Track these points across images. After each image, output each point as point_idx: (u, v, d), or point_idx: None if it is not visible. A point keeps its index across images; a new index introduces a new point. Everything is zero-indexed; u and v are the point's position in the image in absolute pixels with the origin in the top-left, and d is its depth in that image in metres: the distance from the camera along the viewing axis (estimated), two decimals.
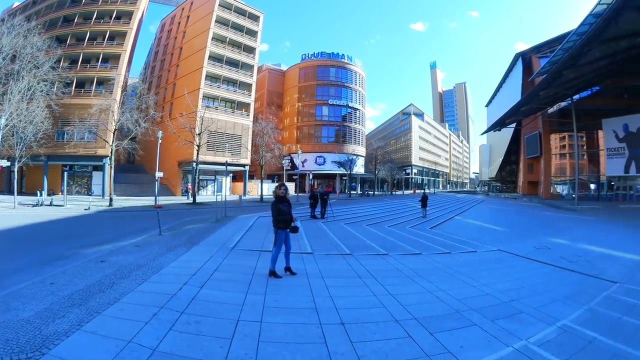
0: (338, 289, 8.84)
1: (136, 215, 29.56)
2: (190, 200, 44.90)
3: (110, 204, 37.29)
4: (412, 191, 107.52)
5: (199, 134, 43.27)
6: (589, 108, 54.41)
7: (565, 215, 37.94)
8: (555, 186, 66.94)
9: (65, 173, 44.21)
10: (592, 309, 7.94)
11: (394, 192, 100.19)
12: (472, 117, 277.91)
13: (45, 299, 7.55)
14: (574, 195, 51.65)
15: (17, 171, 38.20)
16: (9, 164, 36.17)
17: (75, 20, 57.55)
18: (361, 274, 10.60)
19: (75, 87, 52.33)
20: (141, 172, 66.05)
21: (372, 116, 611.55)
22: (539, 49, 65.18)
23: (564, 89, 46.76)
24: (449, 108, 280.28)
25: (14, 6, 65.76)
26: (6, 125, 35.43)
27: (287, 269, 10.11)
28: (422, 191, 45.87)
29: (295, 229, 10.09)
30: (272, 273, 9.73)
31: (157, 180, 39.98)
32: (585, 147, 60.89)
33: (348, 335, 6.07)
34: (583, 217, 34.75)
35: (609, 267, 12.93)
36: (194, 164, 45.51)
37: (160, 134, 41.58)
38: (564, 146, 66.31)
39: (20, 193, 42.55)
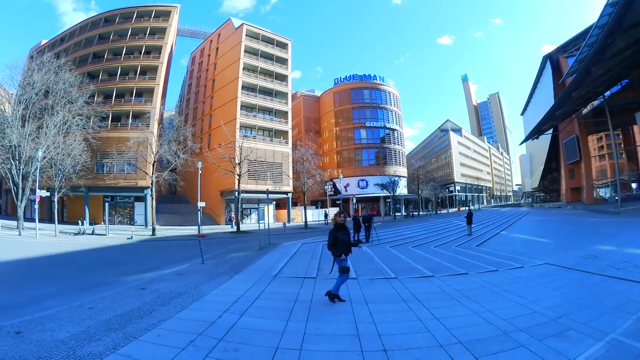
0: (381, 314, 8.60)
1: (179, 244, 29.91)
2: (234, 228, 45.03)
3: (153, 234, 37.95)
4: (456, 209, 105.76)
5: (238, 164, 43.55)
6: (621, 103, 52.31)
7: (610, 219, 36.88)
8: (598, 190, 64.40)
9: (107, 203, 45.36)
10: None
11: (438, 211, 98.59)
12: (509, 127, 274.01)
13: (82, 322, 7.68)
14: (616, 198, 50.06)
15: (58, 201, 39.35)
16: (48, 194, 37.40)
17: (105, 57, 59.56)
18: (406, 298, 10.28)
19: (111, 121, 54.01)
20: (183, 202, 67.07)
21: (410, 135, 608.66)
22: (564, 49, 64.27)
23: (594, 86, 45.96)
24: (485, 120, 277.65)
25: (42, 44, 68.44)
26: (44, 158, 36.66)
27: (334, 295, 9.81)
28: (467, 208, 44.88)
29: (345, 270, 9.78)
30: (337, 297, 9.73)
31: (199, 209, 40.70)
32: (622, 145, 58.31)
33: None
34: (628, 220, 33.85)
35: None
36: (236, 193, 45.78)
37: (199, 164, 42.04)
38: (602, 147, 63.64)
39: (61, 222, 43.66)
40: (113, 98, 55.72)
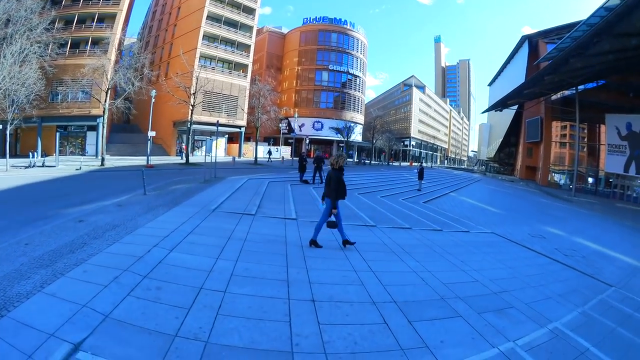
0: (315, 260, 8.42)
1: (126, 175, 29.14)
2: (184, 160, 44.22)
3: (102, 164, 36.77)
4: (409, 163, 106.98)
5: (193, 94, 42.19)
6: (592, 101, 53.05)
7: (562, 205, 37.21)
8: (554, 174, 65.83)
9: (58, 133, 43.23)
10: (587, 314, 7.55)
11: (390, 163, 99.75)
12: (474, 95, 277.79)
13: (16, 260, 7.41)
14: (571, 186, 51.28)
15: (12, 134, 37.60)
16: (0, 127, 35.60)
17: None
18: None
19: (70, 48, 51.31)
20: (136, 132, 65.49)
21: (373, 85, 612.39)
22: (546, 34, 64.16)
23: (569, 77, 45.55)
24: (451, 84, 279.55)
25: None
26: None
27: (346, 241, 9.81)
28: (419, 164, 45.09)
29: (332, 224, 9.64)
30: (313, 242, 9.54)
31: (149, 139, 39.45)
32: (586, 139, 59.48)
33: (317, 315, 5.63)
34: (579, 210, 34.05)
35: (604, 267, 12.67)
36: (188, 124, 44.75)
37: (153, 92, 40.77)
38: (564, 135, 64.96)
39: (15, 156, 42.29)
40: (74, 24, 52.72)
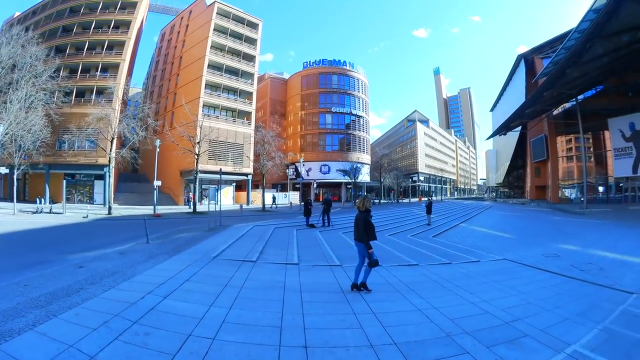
0: (313, 305, 8.15)
1: (132, 223, 28.99)
2: (191, 209, 44.24)
3: (109, 213, 37.07)
4: (418, 199, 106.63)
5: (198, 143, 42.51)
6: (594, 108, 53.50)
7: (574, 219, 36.47)
8: (564, 190, 65.66)
9: (64, 181, 43.65)
10: (608, 329, 7.00)
11: (400, 200, 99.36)
12: (477, 122, 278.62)
13: (14, 299, 7.71)
14: (582, 199, 50.68)
15: (19, 179, 38.90)
16: (7, 171, 36.58)
17: (74, 30, 57.73)
18: (345, 288, 9.74)
19: (75, 97, 52.43)
20: (144, 182, 65.68)
21: (378, 124, 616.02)
22: (540, 50, 64.41)
23: (568, 88, 45.98)
24: (454, 114, 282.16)
25: (15, 16, 66.73)
26: (6, 134, 35.54)
27: (363, 285, 9.49)
28: (428, 199, 44.73)
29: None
30: (355, 286, 9.48)
31: (155, 189, 39.88)
32: (592, 149, 59.69)
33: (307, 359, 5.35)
34: (592, 221, 33.16)
35: (624, 275, 12.00)
36: (195, 173, 44.90)
37: (158, 142, 41.60)
38: (570, 149, 65.11)
39: (23, 201, 43.74)
40: (78, 73, 54.23)
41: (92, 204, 46.84)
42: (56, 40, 56.42)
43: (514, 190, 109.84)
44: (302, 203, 28.51)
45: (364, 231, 9.13)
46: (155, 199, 39.67)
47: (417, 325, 7.06)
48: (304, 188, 72.30)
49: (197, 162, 42.74)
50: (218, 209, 30.96)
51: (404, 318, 7.51)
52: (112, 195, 43.19)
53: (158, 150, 41.66)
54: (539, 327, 6.99)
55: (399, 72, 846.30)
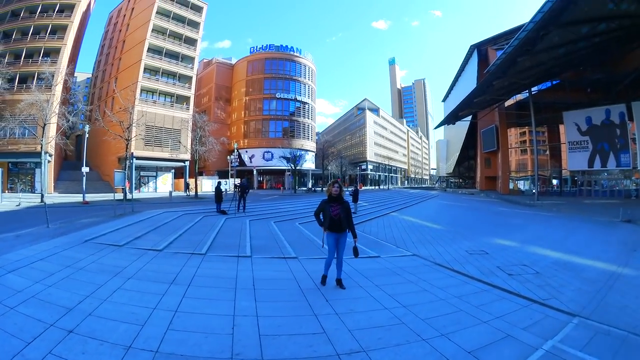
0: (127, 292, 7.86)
1: (56, 211, 28.49)
2: (128, 196, 44.39)
3: (42, 201, 36.88)
4: (358, 186, 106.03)
5: (127, 128, 42.30)
6: (549, 101, 54.06)
7: (522, 211, 35.36)
8: (517, 182, 66.20)
9: (0, 170, 43.07)
10: None
11: (345, 188, 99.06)
12: (431, 114, 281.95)
13: None
14: (534, 191, 50.82)
15: None
16: None
17: (22, 15, 56.63)
18: (174, 279, 8.99)
19: (17, 83, 51.67)
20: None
21: (332, 113, 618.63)
22: (495, 41, 63.84)
23: (520, 78, 44.55)
24: (408, 105, 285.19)
25: None
26: None
27: (338, 280, 8.95)
28: (354, 186, 44.65)
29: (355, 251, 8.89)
30: (323, 278, 9.10)
31: (83, 175, 40.14)
32: (546, 142, 60.29)
33: None
34: (542, 213, 32.03)
35: (566, 284, 9.77)
36: (127, 160, 44.81)
37: (87, 127, 41.66)
38: (524, 141, 65.34)
39: None
40: (22, 58, 53.70)
41: (34, 192, 46.37)
42: (4, 26, 55.66)
43: (465, 180, 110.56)
44: (215, 190, 28.45)
45: (317, 213, 9.13)
46: (84, 186, 39.89)
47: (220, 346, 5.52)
48: (248, 175, 73.11)
49: (127, 148, 42.50)
50: (155, 195, 30.92)
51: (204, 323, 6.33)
52: (52, 184, 44.25)
53: (87, 136, 41.62)
54: None
55: (355, 63, 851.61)
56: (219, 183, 29.86)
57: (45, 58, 54.17)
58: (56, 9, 56.42)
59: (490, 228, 23.26)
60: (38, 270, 9.14)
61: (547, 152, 60.08)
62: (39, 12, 55.87)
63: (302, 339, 5.76)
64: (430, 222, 25.88)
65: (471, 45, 68.86)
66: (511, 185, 65.66)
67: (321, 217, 9.01)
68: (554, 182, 59.67)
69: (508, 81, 44.60)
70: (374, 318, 6.83)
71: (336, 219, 8.59)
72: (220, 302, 7.45)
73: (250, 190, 34.60)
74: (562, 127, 55.06)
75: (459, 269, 11.22)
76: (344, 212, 8.69)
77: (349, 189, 46.77)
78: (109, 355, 4.96)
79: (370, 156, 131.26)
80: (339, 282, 8.88)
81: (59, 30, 55.93)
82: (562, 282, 9.85)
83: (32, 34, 55.01)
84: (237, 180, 37.76)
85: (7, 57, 51.05)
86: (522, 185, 65.40)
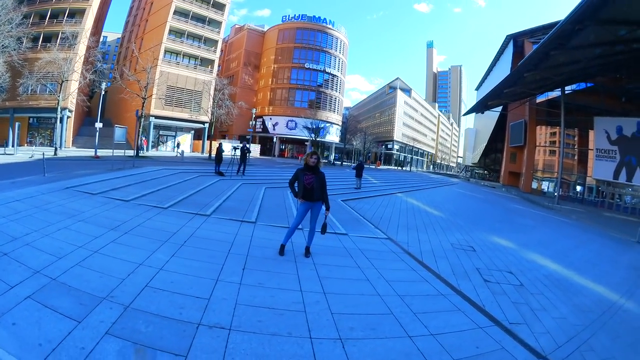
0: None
1: (66, 163, 29.18)
2: (143, 153, 46.22)
3: (55, 154, 38.22)
4: (376, 164, 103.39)
5: (145, 87, 43.53)
6: (581, 104, 51.00)
7: (538, 212, 32.97)
8: (541, 182, 63.17)
9: (17, 124, 44.59)
10: None
11: (368, 165, 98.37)
12: (465, 101, 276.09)
13: None
14: (555, 194, 48.39)
15: None
16: None
17: None
18: (118, 226, 9.54)
19: (42, 42, 52.88)
20: (107, 126, 66.12)
21: (367, 90, 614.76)
22: (532, 33, 60.79)
23: (553, 74, 42.08)
24: (442, 90, 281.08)
25: None
26: None
27: (307, 248, 9.12)
28: (359, 160, 43.52)
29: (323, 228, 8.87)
30: (281, 247, 9.01)
31: (97, 131, 40.84)
32: (575, 146, 56.65)
33: None
34: (557, 218, 29.82)
35: (551, 306, 8.16)
36: (150, 118, 45.59)
37: (103, 85, 42.92)
38: (554, 142, 61.19)
39: None
40: (47, 19, 54.66)
41: (52, 146, 47.58)
42: None
43: (490, 172, 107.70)
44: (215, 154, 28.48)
45: (291, 182, 9.22)
46: (96, 142, 41.22)
47: None
48: (269, 142, 74.18)
49: (142, 106, 43.47)
50: (167, 154, 31.05)
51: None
52: (71, 139, 46.34)
53: (103, 93, 42.96)
54: None
55: (393, 42, 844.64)
56: (220, 144, 29.90)
57: (70, 18, 55.03)
58: None
59: (492, 224, 21.51)
60: (9, 208, 9.79)
61: (575, 157, 56.62)
62: None
63: (191, 301, 5.73)
64: (431, 208, 24.46)
65: (507, 35, 67.01)
66: (534, 185, 63.22)
67: (296, 187, 9.05)
68: (578, 188, 56.22)
69: (540, 75, 42.01)
70: (276, 297, 6.28)
71: (309, 187, 8.66)
72: (137, 250, 7.80)
73: (269, 157, 34.50)
74: (592, 133, 51.43)
75: (428, 263, 9.88)
76: (317, 182, 8.73)
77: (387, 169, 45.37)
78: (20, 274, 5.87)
79: (397, 136, 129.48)
80: (307, 250, 9.02)
81: None
82: (545, 304, 8.10)
83: None
84: (238, 143, 37.55)
85: (32, 18, 52.31)
86: (545, 186, 62.10)
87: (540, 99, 59.60)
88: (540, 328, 6.64)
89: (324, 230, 8.77)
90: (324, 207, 8.94)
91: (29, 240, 7.45)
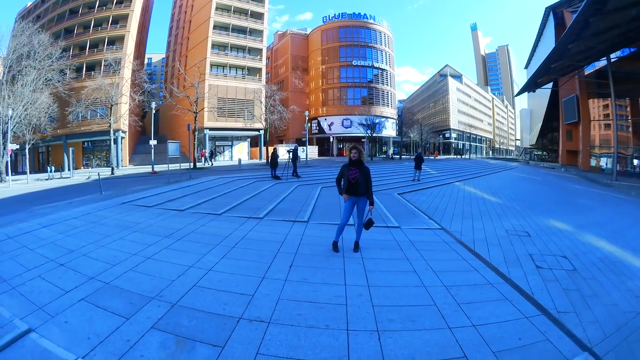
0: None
1: (124, 181, 29.99)
2: (203, 164, 48.24)
3: (112, 173, 39.56)
4: (433, 155, 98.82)
5: (195, 102, 44.96)
6: (628, 72, 46.48)
7: (596, 190, 29.98)
8: (599, 158, 57.69)
9: (71, 149, 46.76)
10: None
11: (426, 156, 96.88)
12: (516, 81, 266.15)
13: None
14: (613, 170, 44.09)
15: (42, 152, 46.66)
16: (17, 147, 39.88)
17: (80, 11, 61.03)
18: (171, 234, 9.71)
19: (85, 71, 56.30)
20: (161, 143, 67.61)
21: (419, 81, 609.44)
22: (570, 2, 58.04)
23: (597, 42, 39.62)
24: (493, 72, 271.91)
25: (27, 6, 72.19)
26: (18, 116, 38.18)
27: (356, 243, 8.89)
28: (418, 152, 42.51)
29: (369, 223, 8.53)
30: (333, 244, 8.88)
31: (151, 147, 42.85)
32: (629, 117, 50.86)
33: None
34: (615, 195, 27.13)
35: (604, 292, 7.19)
36: (204, 131, 46.42)
37: (153, 105, 45.13)
38: (607, 115, 55.26)
39: (46, 171, 46.73)
40: (87, 49, 57.88)
41: (109, 167, 49.21)
42: (64, 23, 60.68)
43: (549, 153, 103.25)
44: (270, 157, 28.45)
45: (337, 179, 8.95)
46: (152, 158, 43.24)
47: None
48: (326, 142, 75.01)
49: (195, 120, 44.98)
50: (224, 164, 31.25)
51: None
52: (127, 158, 48.76)
53: (154, 112, 45.35)
54: None
55: (438, 29, 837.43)
56: (275, 149, 29.68)
57: (110, 46, 58.03)
58: (115, 1, 60.04)
59: (549, 206, 19.69)
60: (67, 225, 10.50)
61: (630, 128, 50.96)
62: (98, 6, 60.03)
63: (235, 298, 5.86)
64: (489, 195, 23.38)
65: (546, 8, 64.19)
66: (593, 162, 58.27)
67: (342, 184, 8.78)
68: (635, 162, 49.92)
69: (584, 45, 39.67)
70: (318, 292, 6.16)
71: (353, 182, 8.43)
72: (189, 255, 8.05)
73: (327, 157, 34.24)
74: None
75: (480, 252, 9.25)
76: (362, 176, 8.46)
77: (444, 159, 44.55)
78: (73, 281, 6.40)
79: (453, 124, 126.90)
80: (356, 245, 8.80)
81: (121, 20, 59.62)
82: (597, 290, 7.17)
83: (93, 27, 59.28)
84: (291, 146, 37.35)
85: (72, 50, 55.88)
86: (604, 162, 56.44)
87: (588, 70, 55.72)
88: (589, 317, 5.96)
89: (367, 226, 8.46)
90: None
91: (85, 251, 7.99)
